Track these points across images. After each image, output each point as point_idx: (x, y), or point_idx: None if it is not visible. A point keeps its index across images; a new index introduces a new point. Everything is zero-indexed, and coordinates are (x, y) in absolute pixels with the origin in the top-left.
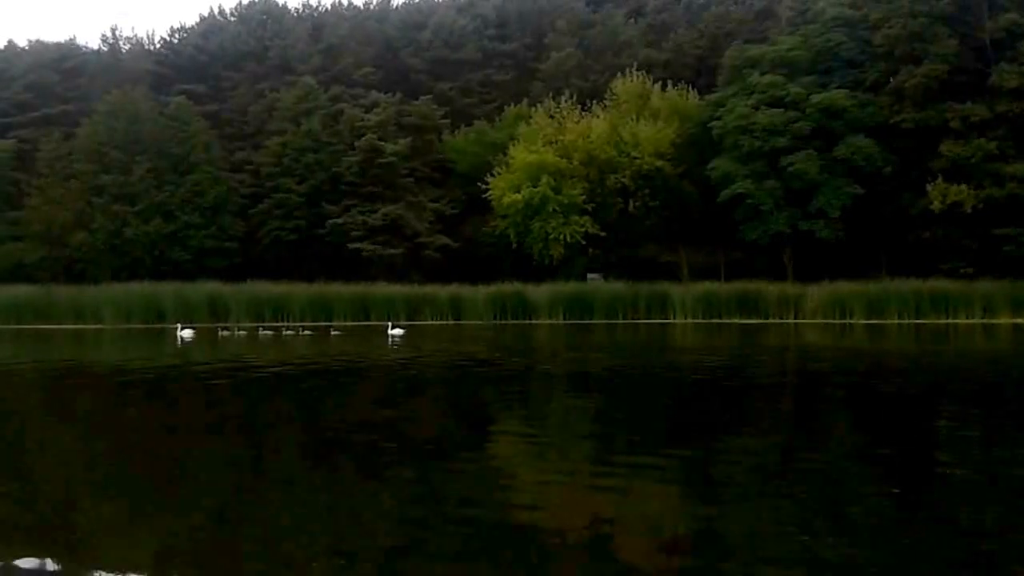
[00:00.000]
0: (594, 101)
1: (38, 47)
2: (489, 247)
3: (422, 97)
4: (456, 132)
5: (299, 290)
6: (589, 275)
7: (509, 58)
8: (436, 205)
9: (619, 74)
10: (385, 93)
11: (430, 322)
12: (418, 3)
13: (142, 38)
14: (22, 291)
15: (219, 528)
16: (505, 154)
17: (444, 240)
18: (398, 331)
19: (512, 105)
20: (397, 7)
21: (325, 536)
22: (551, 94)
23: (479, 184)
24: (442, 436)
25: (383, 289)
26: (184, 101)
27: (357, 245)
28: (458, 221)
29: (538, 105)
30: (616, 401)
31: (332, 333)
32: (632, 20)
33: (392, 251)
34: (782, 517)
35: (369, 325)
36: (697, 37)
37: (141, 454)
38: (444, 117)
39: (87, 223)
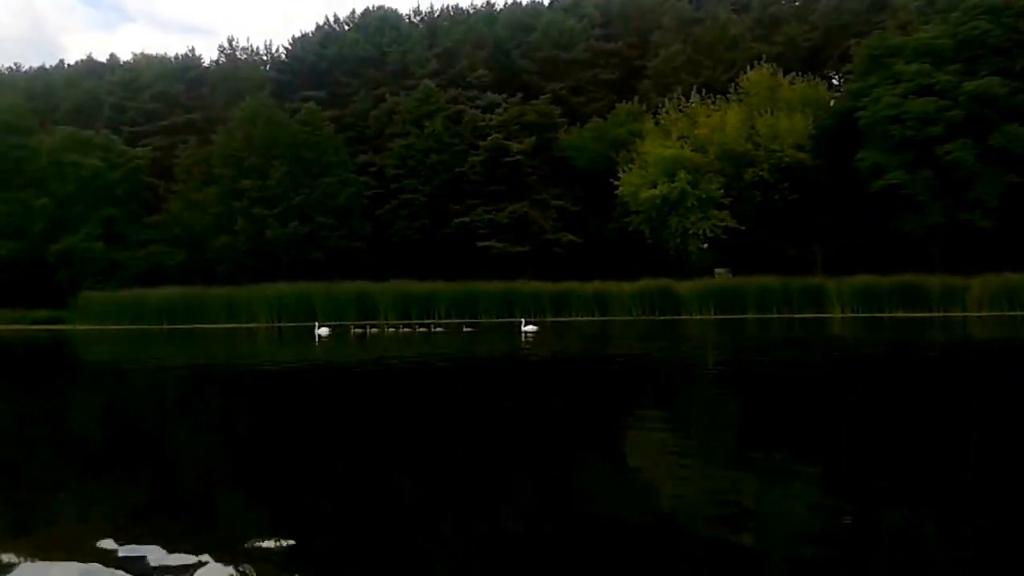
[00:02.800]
0: (716, 96)
1: (158, 59)
2: (613, 243)
3: (541, 96)
4: (569, 130)
5: (444, 288)
6: (716, 270)
7: (614, 57)
8: (559, 202)
9: (747, 67)
10: (500, 94)
11: (575, 318)
12: (524, 5)
13: (258, 48)
14: (174, 292)
15: (340, 518)
16: (628, 150)
17: (570, 236)
18: (531, 328)
19: (625, 102)
20: (502, 9)
21: (448, 529)
22: (678, 90)
23: (611, 180)
24: (574, 433)
25: (528, 286)
26: (314, 107)
27: (486, 243)
28: (579, 217)
29: (666, 100)
30: (779, 398)
31: (464, 330)
32: (735, 15)
33: (520, 248)
34: (936, 522)
35: (501, 322)
36: (809, 30)
37: (271, 443)
38: (561, 116)
39: (228, 226)
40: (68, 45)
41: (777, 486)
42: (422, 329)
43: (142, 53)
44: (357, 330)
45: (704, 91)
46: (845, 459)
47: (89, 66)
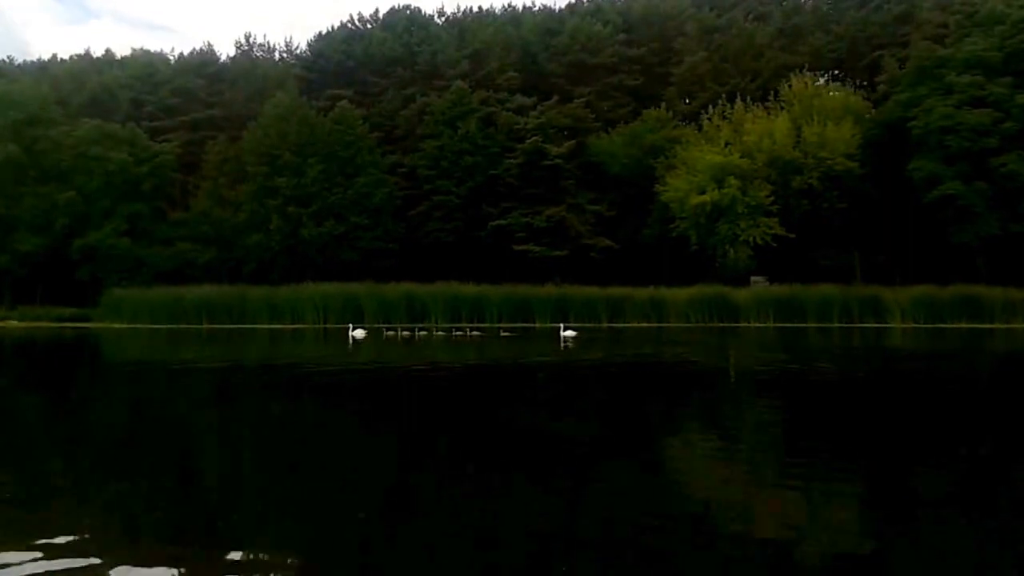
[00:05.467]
0: (753, 103)
1: (159, 55)
2: (649, 248)
3: (576, 100)
4: (600, 135)
5: (494, 291)
6: (752, 278)
7: (637, 63)
8: (594, 207)
9: (774, 76)
10: (530, 97)
11: (631, 324)
12: (543, 9)
13: (274, 45)
14: (213, 291)
15: (368, 521)
16: (666, 156)
17: (606, 242)
18: (570, 333)
19: (653, 108)
20: (523, 11)
21: (475, 537)
22: (721, 97)
23: (647, 186)
24: (611, 440)
25: (581, 291)
26: (347, 105)
27: (523, 247)
28: (614, 223)
29: (710, 107)
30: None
31: (502, 334)
32: (755, 23)
33: (559, 253)
34: (983, 538)
35: (542, 328)
36: (832, 40)
37: (299, 447)
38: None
39: (261, 224)
40: (32, 40)
41: None
42: (458, 333)
43: (142, 48)
44: (389, 332)
45: (748, 99)
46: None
47: (88, 60)
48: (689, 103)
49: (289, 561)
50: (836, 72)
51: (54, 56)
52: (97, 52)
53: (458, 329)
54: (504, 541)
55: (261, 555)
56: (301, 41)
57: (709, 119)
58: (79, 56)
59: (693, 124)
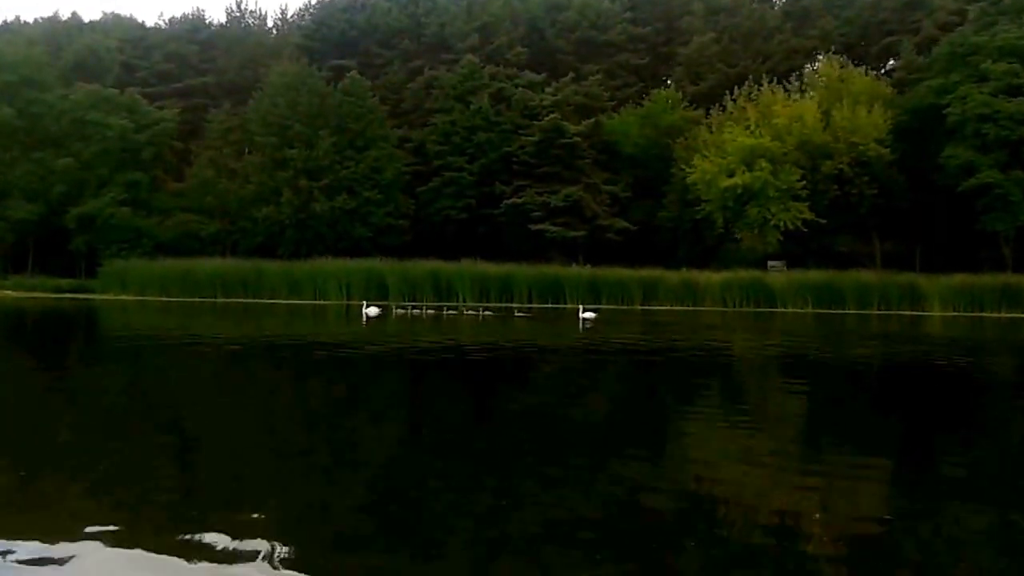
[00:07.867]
0: (774, 85)
1: (127, 19)
2: (662, 230)
3: (591, 78)
4: (610, 115)
5: (522, 271)
6: (770, 263)
7: (642, 42)
8: (610, 187)
9: (818, 57)
10: (539, 74)
11: (663, 307)
12: None
13: (265, 12)
14: (227, 264)
15: (371, 507)
16: (685, 137)
17: (623, 223)
18: (590, 314)
19: (661, 88)
20: None
21: (480, 525)
22: (749, 79)
23: (663, 167)
24: (626, 425)
25: (613, 272)
26: (357, 76)
27: (540, 226)
28: (628, 203)
29: (736, 88)
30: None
31: (516, 315)
32: (762, 5)
33: (574, 233)
34: (993, 527)
35: (556, 307)
36: (842, 24)
37: (310, 426)
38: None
39: (270, 197)
40: None
41: None
42: (470, 312)
43: (113, 13)
44: (399, 311)
45: (774, 80)
46: None
47: (59, 23)
48: (697, 84)
49: (284, 547)
50: (847, 57)
51: (17, 18)
52: (64, 15)
53: (470, 308)
54: (509, 531)
55: (253, 542)
56: (291, 9)
57: (734, 100)
58: (45, 19)
59: (717, 105)
